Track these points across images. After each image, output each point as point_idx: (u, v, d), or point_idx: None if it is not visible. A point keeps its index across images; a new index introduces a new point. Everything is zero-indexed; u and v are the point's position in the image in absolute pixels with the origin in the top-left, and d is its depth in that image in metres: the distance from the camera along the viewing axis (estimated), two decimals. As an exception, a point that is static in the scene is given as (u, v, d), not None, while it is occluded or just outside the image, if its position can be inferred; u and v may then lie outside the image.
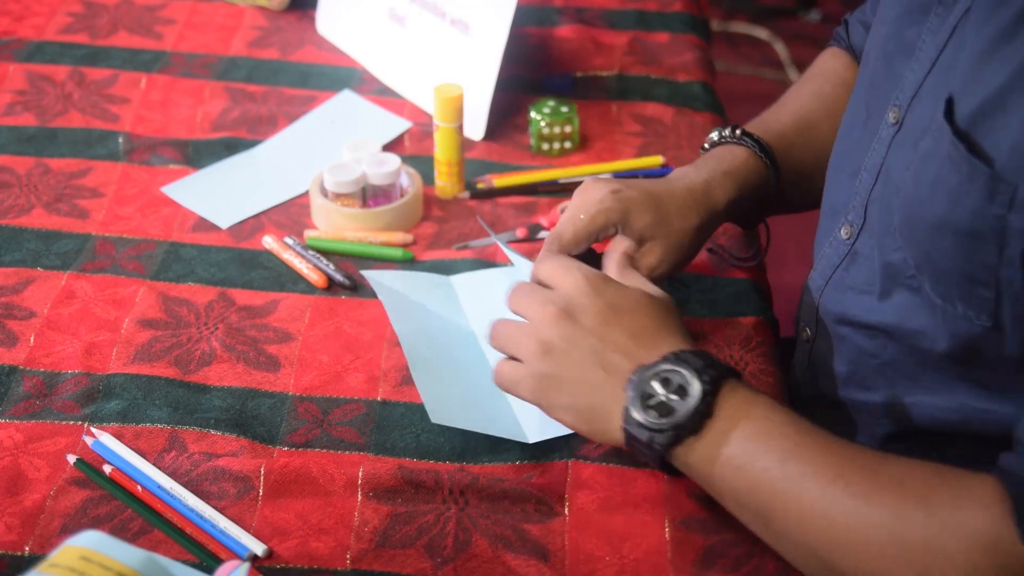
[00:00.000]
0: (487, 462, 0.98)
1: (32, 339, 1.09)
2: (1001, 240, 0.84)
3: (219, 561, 0.89)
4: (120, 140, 1.35)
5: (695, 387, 0.85)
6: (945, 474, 0.81)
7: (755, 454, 0.84)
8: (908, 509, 0.79)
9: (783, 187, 1.15)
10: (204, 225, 1.24)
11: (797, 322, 1.13)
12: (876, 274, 0.98)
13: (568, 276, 0.93)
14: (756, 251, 1.21)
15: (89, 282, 1.16)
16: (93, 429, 1.00)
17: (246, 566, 0.82)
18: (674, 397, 0.85)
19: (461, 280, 1.17)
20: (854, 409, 1.05)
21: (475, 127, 1.37)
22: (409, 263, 1.20)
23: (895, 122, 0.97)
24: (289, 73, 1.48)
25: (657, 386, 0.86)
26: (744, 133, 1.14)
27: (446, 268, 1.19)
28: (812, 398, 1.11)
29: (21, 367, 1.06)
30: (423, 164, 1.31)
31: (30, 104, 1.41)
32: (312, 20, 1.57)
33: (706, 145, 1.17)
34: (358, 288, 1.16)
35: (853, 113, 1.07)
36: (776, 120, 1.19)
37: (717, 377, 0.86)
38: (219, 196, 1.28)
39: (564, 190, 1.29)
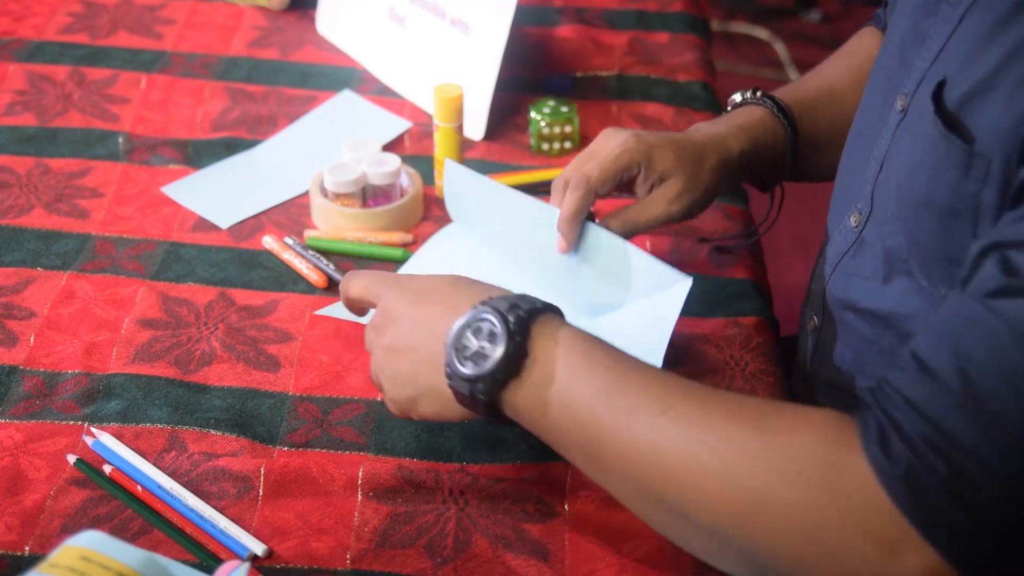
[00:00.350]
0: (487, 462, 0.98)
1: (32, 339, 1.09)
2: (975, 216, 0.85)
3: (219, 561, 0.89)
4: (120, 140, 1.35)
5: (501, 330, 0.83)
6: (781, 405, 0.79)
7: (580, 392, 0.82)
8: (739, 433, 0.77)
9: (800, 151, 1.17)
10: (204, 225, 1.24)
11: (804, 311, 1.13)
12: (879, 260, 0.99)
13: (375, 284, 0.94)
14: (753, 230, 1.23)
15: (89, 282, 1.16)
16: (93, 429, 1.00)
17: (246, 566, 0.82)
18: (486, 344, 0.84)
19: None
20: (858, 396, 1.05)
21: (475, 127, 1.37)
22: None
23: (901, 109, 0.98)
24: (289, 73, 1.48)
25: (470, 337, 0.85)
26: (765, 95, 1.18)
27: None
28: (817, 385, 1.11)
29: (21, 367, 1.06)
30: (423, 164, 1.31)
31: (30, 104, 1.41)
32: (312, 20, 1.57)
33: (729, 107, 1.20)
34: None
35: (868, 103, 1.08)
36: (801, 86, 1.22)
37: (525, 316, 0.84)
38: (219, 196, 1.28)
39: (564, 190, 1.29)
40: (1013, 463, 0.71)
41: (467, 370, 0.84)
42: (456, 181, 1.16)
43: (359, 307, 0.99)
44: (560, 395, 0.83)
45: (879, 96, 1.06)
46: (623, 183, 1.09)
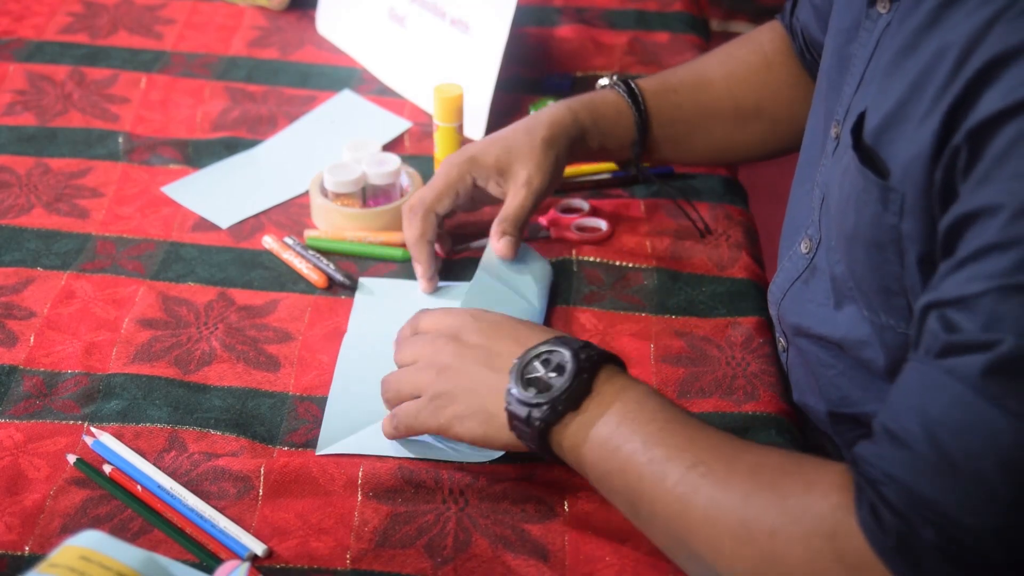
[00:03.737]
0: (486, 464, 0.98)
1: (32, 339, 1.09)
2: (899, 248, 0.86)
3: (219, 561, 0.89)
4: (120, 140, 1.35)
5: (571, 364, 0.87)
6: (802, 462, 0.81)
7: (625, 437, 0.85)
8: (759, 495, 0.80)
9: (657, 131, 1.21)
10: (204, 225, 1.24)
11: (774, 332, 1.13)
12: (830, 288, 0.99)
13: (447, 314, 0.97)
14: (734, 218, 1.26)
15: (89, 282, 1.16)
16: (93, 429, 1.00)
17: (246, 566, 0.82)
18: (552, 374, 0.87)
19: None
20: (821, 418, 1.06)
21: (475, 127, 1.37)
22: (409, 263, 1.20)
23: (835, 137, 0.99)
24: (289, 73, 1.48)
25: (537, 365, 0.88)
26: (621, 79, 1.22)
27: (445, 268, 1.19)
28: (793, 407, 1.11)
29: (21, 367, 1.06)
30: (423, 164, 1.31)
31: (30, 104, 1.41)
32: (312, 20, 1.57)
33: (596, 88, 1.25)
34: (358, 288, 1.16)
35: (813, 127, 1.09)
36: (673, 73, 1.26)
37: (596, 359, 0.88)
38: (219, 196, 1.28)
39: (563, 190, 1.29)
40: (998, 514, 0.72)
41: (528, 395, 0.87)
42: (368, 294, 1.16)
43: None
44: (608, 438, 0.86)
45: (820, 121, 1.06)
46: (466, 194, 1.15)
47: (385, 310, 1.14)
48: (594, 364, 0.87)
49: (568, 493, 0.96)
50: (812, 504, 0.78)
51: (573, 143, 1.17)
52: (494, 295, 1.10)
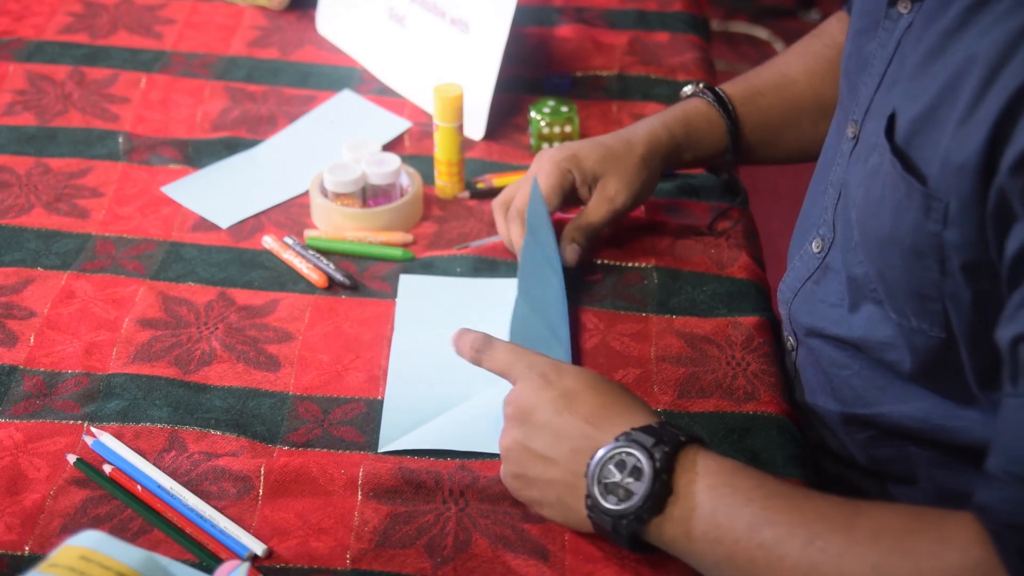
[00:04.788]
0: (487, 461, 0.98)
1: (32, 339, 1.09)
2: (940, 255, 0.85)
3: (219, 561, 0.89)
4: (120, 140, 1.35)
5: (647, 468, 0.84)
6: (923, 517, 0.79)
7: (726, 526, 0.82)
8: (889, 562, 0.77)
9: (747, 137, 1.22)
10: (204, 225, 1.24)
11: (783, 332, 1.13)
12: (845, 288, 0.99)
13: (518, 372, 0.92)
14: (735, 218, 1.25)
15: (89, 282, 1.16)
16: (93, 429, 1.00)
17: (246, 566, 0.83)
18: (630, 480, 0.84)
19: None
20: (831, 418, 1.06)
21: (475, 127, 1.37)
22: (409, 263, 1.20)
23: (852, 137, 0.99)
24: (289, 73, 1.48)
25: (613, 470, 0.85)
26: (708, 87, 1.22)
27: (446, 268, 1.19)
28: (800, 406, 1.10)
29: (21, 367, 1.06)
30: (423, 164, 1.31)
31: (30, 104, 1.41)
32: (312, 20, 1.57)
33: (681, 98, 1.26)
34: (358, 288, 1.16)
35: (833, 128, 1.09)
36: (756, 75, 1.27)
37: (671, 452, 0.84)
38: (219, 196, 1.28)
39: (564, 190, 1.29)
40: None
41: (610, 504, 0.85)
42: (411, 291, 1.16)
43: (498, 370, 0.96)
44: (706, 528, 0.83)
45: (835, 121, 1.06)
46: (568, 193, 1.15)
47: (432, 308, 1.14)
48: (669, 462, 0.84)
49: (568, 493, 0.96)
50: (951, 562, 0.75)
51: (668, 159, 1.19)
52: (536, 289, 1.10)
